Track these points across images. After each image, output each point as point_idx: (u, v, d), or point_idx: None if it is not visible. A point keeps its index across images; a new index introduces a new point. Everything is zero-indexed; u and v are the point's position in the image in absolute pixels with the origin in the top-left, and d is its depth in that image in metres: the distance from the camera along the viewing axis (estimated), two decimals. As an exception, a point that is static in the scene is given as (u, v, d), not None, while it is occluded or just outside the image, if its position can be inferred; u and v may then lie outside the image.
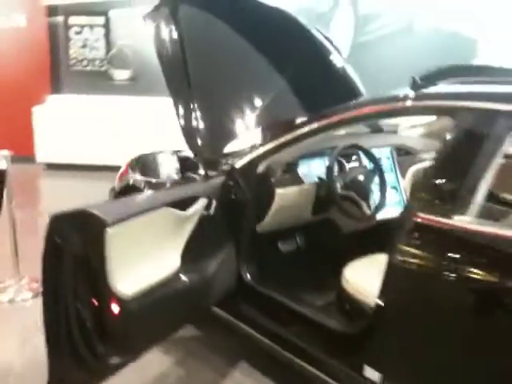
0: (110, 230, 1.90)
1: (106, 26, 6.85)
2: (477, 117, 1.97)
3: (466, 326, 1.86)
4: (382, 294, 2.09)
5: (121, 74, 6.83)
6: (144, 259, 2.10)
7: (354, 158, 3.04)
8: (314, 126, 2.56)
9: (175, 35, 3.01)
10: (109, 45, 6.89)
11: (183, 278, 2.28)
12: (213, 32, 3.21)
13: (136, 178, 2.98)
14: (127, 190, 3.42)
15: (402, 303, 2.04)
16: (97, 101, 6.89)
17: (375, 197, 2.93)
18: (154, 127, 6.59)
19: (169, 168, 2.57)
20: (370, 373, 2.15)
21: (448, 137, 2.02)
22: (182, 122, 2.88)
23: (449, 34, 6.43)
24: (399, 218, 2.12)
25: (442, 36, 6.45)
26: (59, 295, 1.99)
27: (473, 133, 1.97)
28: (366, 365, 2.17)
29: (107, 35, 6.88)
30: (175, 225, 2.26)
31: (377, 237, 3.05)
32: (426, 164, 3.43)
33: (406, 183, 3.23)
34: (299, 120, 2.72)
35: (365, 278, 2.52)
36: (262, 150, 2.69)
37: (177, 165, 2.57)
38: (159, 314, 2.17)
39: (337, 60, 3.42)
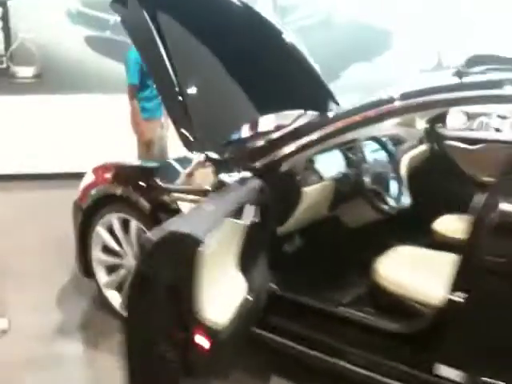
0: (203, 249, 1.63)
1: (5, 17, 6.09)
2: None
3: None
4: (458, 289, 2.03)
5: (24, 71, 6.14)
6: (223, 279, 1.84)
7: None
8: (342, 124, 2.45)
9: (152, 26, 2.75)
10: (8, 39, 6.15)
11: (248, 296, 2.05)
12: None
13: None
14: (106, 201, 3.08)
15: (487, 297, 1.99)
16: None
17: (393, 188, 2.89)
18: (65, 128, 6.06)
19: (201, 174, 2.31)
20: (446, 371, 2.09)
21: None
22: (175, 118, 2.67)
23: (365, 26, 6.62)
24: (478, 211, 2.07)
25: (358, 29, 6.63)
26: (146, 334, 1.67)
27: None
28: (438, 363, 2.11)
29: (6, 28, 6.12)
30: (234, 237, 2.01)
31: (388, 229, 3.03)
32: (419, 150, 3.49)
33: (402, 171, 3.23)
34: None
35: (404, 273, 2.46)
36: (285, 149, 2.51)
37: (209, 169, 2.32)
38: (237, 341, 1.92)
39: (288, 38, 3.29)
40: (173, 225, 1.70)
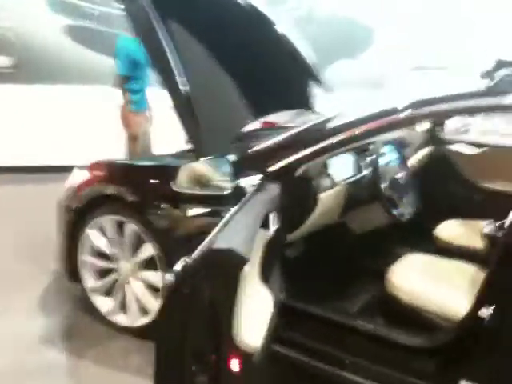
0: (248, 268, 1.50)
1: (-20, 6, 5.81)
2: None
3: None
4: (485, 303, 1.93)
5: (1, 61, 5.86)
6: (253, 296, 1.69)
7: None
8: (362, 129, 2.33)
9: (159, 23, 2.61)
10: (-16, 28, 5.85)
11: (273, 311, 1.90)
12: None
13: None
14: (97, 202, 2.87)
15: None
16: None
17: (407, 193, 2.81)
18: (41, 118, 5.86)
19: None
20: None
21: None
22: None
23: (347, 22, 6.57)
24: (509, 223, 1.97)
25: (340, 24, 6.57)
26: (178, 353, 1.52)
27: None
28: (464, 381, 2.01)
29: (-18, 17, 5.83)
30: (259, 248, 1.87)
31: (391, 235, 2.94)
32: (420, 154, 3.41)
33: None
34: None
35: (419, 284, 2.35)
36: (301, 154, 2.37)
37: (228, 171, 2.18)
38: (265, 360, 1.77)
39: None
40: (216, 242, 1.55)
